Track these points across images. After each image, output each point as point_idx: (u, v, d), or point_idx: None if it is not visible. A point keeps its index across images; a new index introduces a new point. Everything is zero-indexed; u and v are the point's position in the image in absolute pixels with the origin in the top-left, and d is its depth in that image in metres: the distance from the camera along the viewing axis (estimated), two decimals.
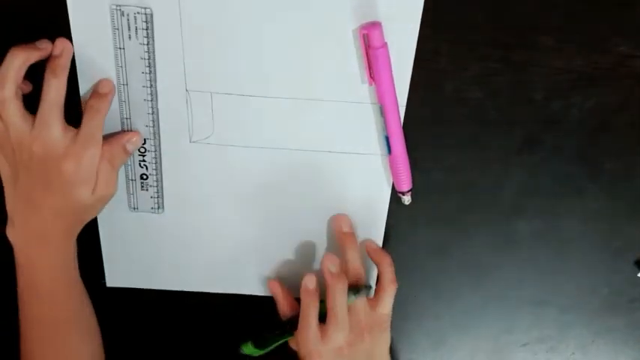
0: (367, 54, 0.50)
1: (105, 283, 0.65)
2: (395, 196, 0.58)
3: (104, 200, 0.55)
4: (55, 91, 0.49)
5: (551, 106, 0.54)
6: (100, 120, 0.51)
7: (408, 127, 0.55)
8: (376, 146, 0.56)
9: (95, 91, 0.52)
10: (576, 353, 0.69)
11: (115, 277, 0.65)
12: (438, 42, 0.51)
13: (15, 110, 0.49)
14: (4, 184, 0.54)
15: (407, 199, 0.57)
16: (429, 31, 0.51)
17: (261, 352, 0.61)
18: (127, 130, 0.55)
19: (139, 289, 0.66)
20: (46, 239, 0.54)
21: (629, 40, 0.51)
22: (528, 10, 0.50)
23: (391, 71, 0.51)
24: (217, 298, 0.66)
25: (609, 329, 0.67)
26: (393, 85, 0.51)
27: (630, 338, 0.68)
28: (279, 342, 0.60)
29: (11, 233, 0.55)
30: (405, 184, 0.56)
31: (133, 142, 0.55)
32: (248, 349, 0.62)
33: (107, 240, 0.63)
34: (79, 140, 0.50)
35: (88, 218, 0.56)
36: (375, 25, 0.49)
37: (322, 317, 0.56)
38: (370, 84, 0.52)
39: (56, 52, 0.50)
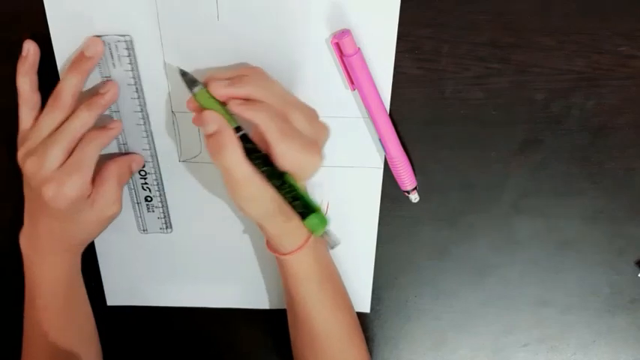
0: (343, 62, 0.51)
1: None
2: (396, 196, 0.58)
3: (109, 219, 0.55)
4: (79, 122, 0.49)
5: (551, 107, 0.54)
6: (92, 151, 0.50)
7: (409, 127, 0.55)
8: (365, 153, 0.56)
9: (101, 125, 0.52)
10: (577, 353, 0.69)
11: (115, 296, 0.66)
12: (438, 42, 0.51)
13: (27, 117, 0.50)
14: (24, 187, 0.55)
15: (414, 198, 0.57)
16: (429, 31, 0.51)
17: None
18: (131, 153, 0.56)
19: (140, 307, 0.67)
20: (44, 252, 0.55)
21: (629, 40, 0.51)
22: (528, 10, 0.50)
23: (370, 75, 0.51)
24: (221, 313, 0.67)
25: (610, 329, 0.67)
26: (375, 88, 0.52)
27: (631, 338, 0.68)
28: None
29: (21, 238, 0.56)
30: (408, 183, 0.56)
31: (137, 162, 0.55)
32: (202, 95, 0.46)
33: (105, 260, 0.64)
34: (65, 166, 0.49)
35: (90, 237, 0.56)
36: (344, 32, 0.50)
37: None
38: (352, 89, 0.53)
39: (102, 90, 0.50)
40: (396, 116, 0.55)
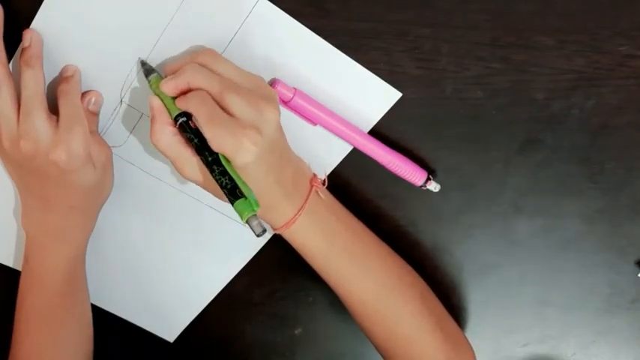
0: (290, 108, 0.51)
1: None
2: (396, 196, 0.58)
3: (107, 168, 0.54)
4: (32, 81, 0.48)
5: (551, 106, 0.54)
6: (74, 100, 0.50)
7: (409, 126, 0.55)
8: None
9: (62, 78, 0.51)
10: (577, 353, 0.69)
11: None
12: (438, 42, 0.51)
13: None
14: (12, 179, 0.54)
15: (433, 187, 0.56)
16: (429, 31, 0.51)
17: None
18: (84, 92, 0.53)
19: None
20: (63, 235, 0.54)
21: (629, 40, 0.51)
22: (528, 10, 0.50)
23: (319, 105, 0.52)
24: None
25: (610, 329, 0.67)
26: (332, 113, 0.52)
27: (631, 338, 0.68)
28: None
29: (26, 224, 0.55)
30: (417, 179, 0.55)
31: (94, 103, 0.53)
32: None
33: None
34: (61, 126, 0.49)
35: (103, 198, 0.56)
36: (275, 83, 0.51)
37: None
38: (314, 125, 0.53)
39: (25, 43, 0.49)
40: (395, 116, 0.55)
